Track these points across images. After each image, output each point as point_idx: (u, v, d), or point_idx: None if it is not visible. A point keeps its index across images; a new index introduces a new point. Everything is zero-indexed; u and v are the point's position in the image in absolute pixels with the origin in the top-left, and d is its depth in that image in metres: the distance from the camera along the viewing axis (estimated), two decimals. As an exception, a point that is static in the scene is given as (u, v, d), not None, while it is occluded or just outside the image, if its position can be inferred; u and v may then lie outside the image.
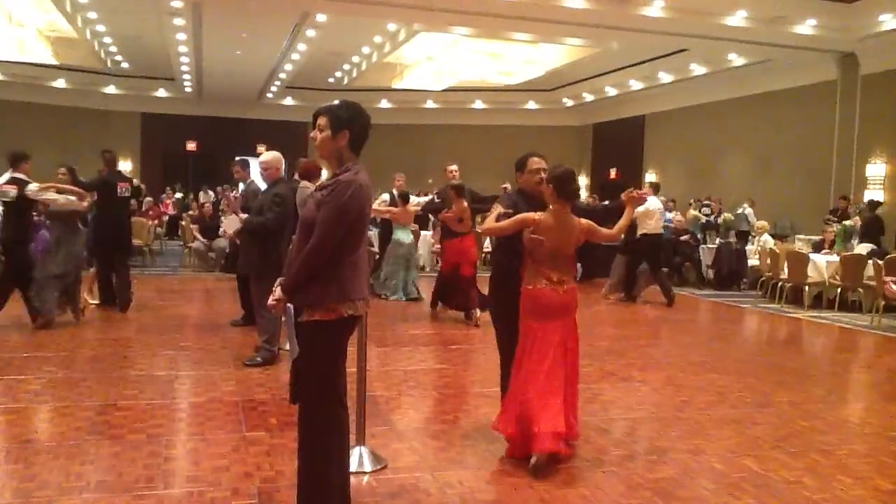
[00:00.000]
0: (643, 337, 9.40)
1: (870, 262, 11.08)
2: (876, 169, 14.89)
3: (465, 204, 8.72)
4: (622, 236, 5.73)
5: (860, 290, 11.33)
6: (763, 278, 13.05)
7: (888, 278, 10.32)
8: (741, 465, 4.55)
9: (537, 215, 4.45)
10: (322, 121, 3.38)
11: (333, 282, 3.28)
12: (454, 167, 9.50)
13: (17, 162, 7.92)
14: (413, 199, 10.09)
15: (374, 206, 8.63)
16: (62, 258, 7.97)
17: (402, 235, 10.61)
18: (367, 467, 4.22)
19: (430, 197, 10.01)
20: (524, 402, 4.36)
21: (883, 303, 10.30)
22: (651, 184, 13.21)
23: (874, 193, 14.67)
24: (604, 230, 4.75)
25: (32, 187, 7.74)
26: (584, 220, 4.57)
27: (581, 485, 4.16)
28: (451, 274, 9.17)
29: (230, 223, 7.55)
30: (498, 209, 4.63)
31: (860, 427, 5.58)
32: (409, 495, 3.94)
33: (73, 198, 8.02)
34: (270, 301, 3.41)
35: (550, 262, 4.47)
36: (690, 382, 6.64)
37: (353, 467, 3.90)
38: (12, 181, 7.79)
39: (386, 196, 9.77)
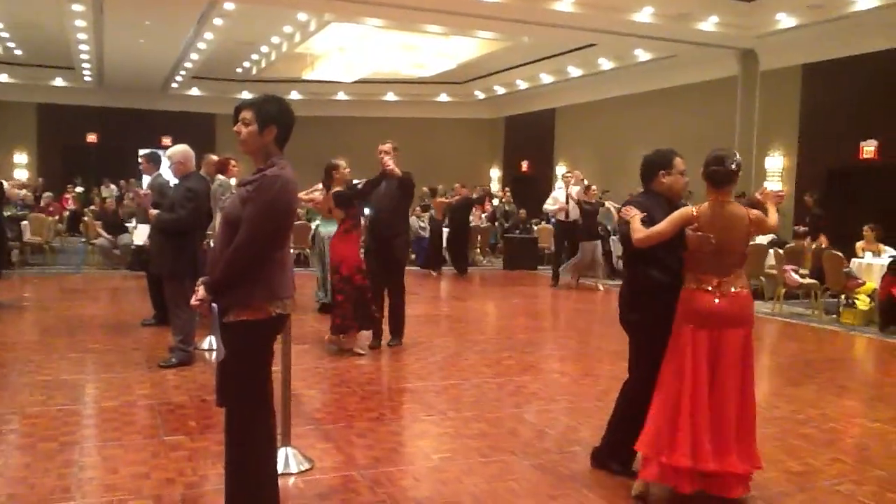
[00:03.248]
0: (560, 328, 9.58)
1: (771, 251, 11.57)
2: (774, 162, 15.53)
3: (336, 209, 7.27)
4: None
5: (762, 278, 11.81)
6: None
7: (788, 267, 10.83)
8: (661, 452, 4.67)
9: (696, 209, 3.91)
10: (247, 115, 3.28)
11: (260, 280, 3.21)
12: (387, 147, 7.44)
13: None
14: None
15: (302, 194, 7.81)
16: None
17: (323, 228, 9.37)
18: (294, 468, 4.15)
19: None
20: (661, 423, 3.85)
21: (784, 290, 10.78)
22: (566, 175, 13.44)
23: (773, 185, 15.31)
24: (770, 222, 4.08)
25: None
26: (753, 211, 3.96)
27: (509, 478, 4.19)
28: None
29: (139, 233, 7.29)
30: (634, 212, 4.06)
31: (769, 411, 5.81)
32: (337, 496, 3.90)
33: None
34: (194, 301, 3.31)
35: (712, 262, 3.88)
36: (608, 372, 6.79)
37: (279, 469, 3.82)
38: None
39: (320, 185, 8.93)
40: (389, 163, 7.09)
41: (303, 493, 3.90)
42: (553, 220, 13.49)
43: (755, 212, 3.97)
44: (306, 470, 4.18)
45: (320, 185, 8.07)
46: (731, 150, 4.05)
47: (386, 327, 7.51)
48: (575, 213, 12.79)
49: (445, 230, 14.99)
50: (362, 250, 7.45)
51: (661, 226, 3.92)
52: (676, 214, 3.95)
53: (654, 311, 4.05)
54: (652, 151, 4.37)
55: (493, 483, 4.11)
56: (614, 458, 4.26)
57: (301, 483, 4.03)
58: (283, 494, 3.52)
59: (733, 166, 3.90)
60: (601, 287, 12.63)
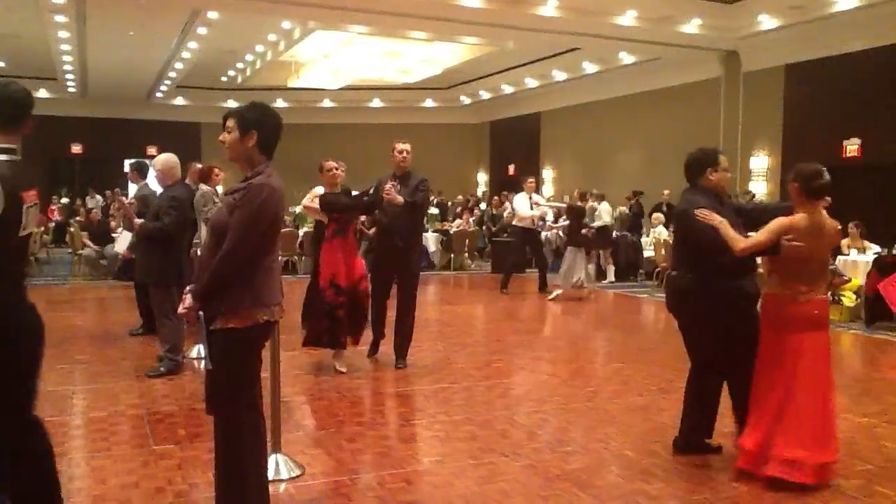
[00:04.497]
0: (550, 330, 9.60)
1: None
2: (759, 162, 15.65)
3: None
4: None
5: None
6: (658, 269, 13.53)
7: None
8: (650, 451, 4.70)
9: (795, 219, 4.10)
10: (230, 123, 3.32)
11: (247, 288, 3.21)
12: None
13: None
14: (354, 193, 7.61)
15: (305, 201, 7.42)
16: None
17: None
18: (285, 475, 4.13)
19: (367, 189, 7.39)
20: (771, 420, 4.14)
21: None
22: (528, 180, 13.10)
23: (758, 185, 15.43)
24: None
25: None
26: (835, 221, 4.21)
27: (500, 480, 4.20)
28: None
29: (122, 241, 7.24)
30: (717, 218, 4.19)
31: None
32: (328, 501, 3.89)
33: None
34: (181, 309, 3.30)
35: (803, 269, 4.11)
36: (598, 373, 6.82)
37: (269, 476, 3.81)
38: None
39: (320, 189, 8.25)
40: (392, 193, 6.45)
41: (294, 499, 3.90)
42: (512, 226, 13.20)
43: (837, 222, 4.24)
44: (297, 476, 4.17)
45: (320, 190, 7.71)
46: (817, 164, 4.25)
47: (381, 344, 7.13)
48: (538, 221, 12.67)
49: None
50: (363, 256, 7.05)
51: (762, 236, 4.13)
52: (775, 224, 4.12)
53: (710, 308, 4.33)
54: (697, 150, 4.59)
55: (483, 485, 4.11)
56: (694, 441, 4.57)
57: (292, 489, 4.02)
58: (273, 501, 3.51)
59: (828, 177, 4.15)
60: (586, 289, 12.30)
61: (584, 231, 12.22)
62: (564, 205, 13.81)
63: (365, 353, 7.07)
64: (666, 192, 15.80)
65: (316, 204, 7.55)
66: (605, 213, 14.15)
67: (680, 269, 4.58)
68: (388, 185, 6.46)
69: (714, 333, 4.42)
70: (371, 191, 6.71)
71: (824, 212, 4.19)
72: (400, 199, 6.45)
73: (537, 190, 14.77)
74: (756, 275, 4.48)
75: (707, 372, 4.53)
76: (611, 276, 14.23)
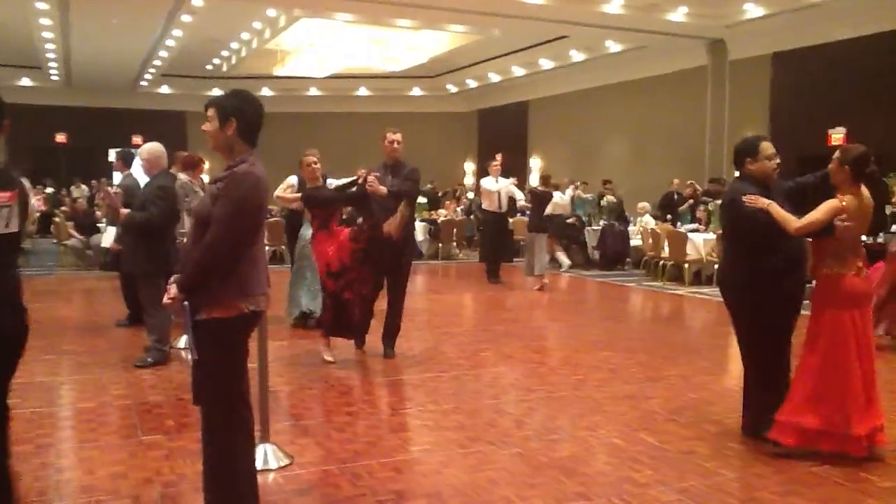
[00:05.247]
0: (537, 319, 9.62)
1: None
2: (745, 150, 15.71)
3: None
4: None
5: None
6: (646, 258, 13.58)
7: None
8: (638, 438, 4.73)
9: (847, 201, 4.26)
10: (210, 112, 3.30)
11: (232, 278, 3.19)
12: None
13: None
14: (331, 181, 7.37)
15: (279, 191, 7.07)
16: None
17: (305, 230, 8.04)
18: (273, 465, 4.13)
19: (350, 179, 7.14)
20: (840, 399, 4.25)
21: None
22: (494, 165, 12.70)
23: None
24: None
25: None
26: (872, 202, 4.45)
27: (488, 468, 4.21)
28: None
29: (107, 236, 7.18)
30: (764, 200, 4.31)
31: (743, 396, 5.89)
32: (317, 490, 3.90)
33: None
34: (166, 299, 3.29)
35: (854, 247, 4.36)
36: (585, 361, 6.84)
37: (258, 465, 3.80)
38: None
39: (293, 179, 7.76)
40: (375, 184, 6.31)
41: (282, 489, 3.90)
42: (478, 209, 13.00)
43: (872, 202, 4.44)
44: (286, 465, 4.17)
45: (293, 181, 7.65)
46: (864, 147, 4.42)
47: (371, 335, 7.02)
48: (505, 203, 12.46)
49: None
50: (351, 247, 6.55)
51: (816, 215, 4.24)
52: (828, 206, 4.24)
53: (775, 290, 4.44)
54: (741, 140, 4.75)
55: (472, 473, 4.13)
56: (762, 425, 4.55)
57: (281, 479, 4.02)
58: (262, 490, 3.50)
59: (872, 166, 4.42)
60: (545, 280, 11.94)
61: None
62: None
63: (352, 343, 7.04)
64: (696, 185, 15.52)
65: (289, 194, 7.51)
66: (558, 202, 14.07)
67: (729, 259, 4.77)
68: (370, 176, 6.34)
69: (760, 321, 4.53)
70: (359, 181, 6.59)
71: (866, 191, 4.38)
72: (383, 189, 6.34)
73: (513, 176, 14.62)
74: (806, 265, 4.56)
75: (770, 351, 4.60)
76: (565, 265, 14.28)
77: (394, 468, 4.20)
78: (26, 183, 3.37)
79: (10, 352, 3.10)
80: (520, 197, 13.38)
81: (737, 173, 4.78)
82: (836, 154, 4.40)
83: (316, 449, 4.49)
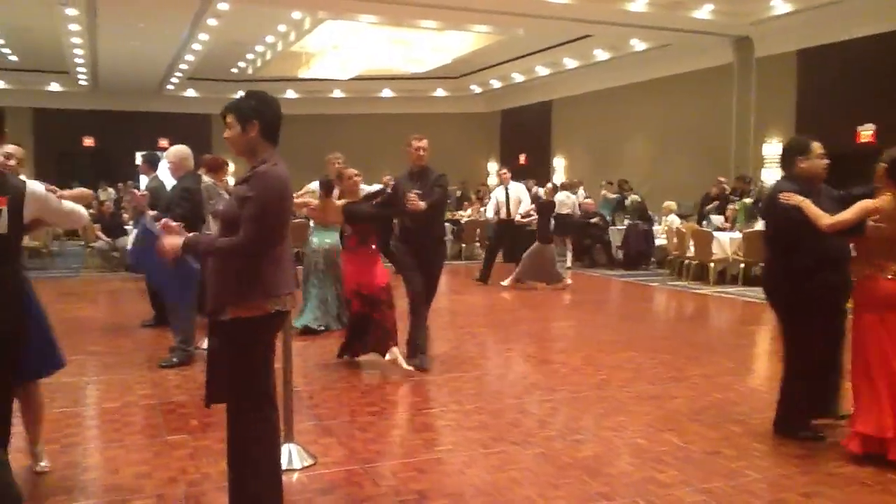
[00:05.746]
0: (559, 319, 9.58)
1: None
2: (772, 149, 15.51)
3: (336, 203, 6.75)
4: None
5: (761, 264, 11.80)
6: (670, 257, 13.48)
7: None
8: (662, 439, 4.69)
9: (879, 202, 4.24)
10: (230, 118, 3.30)
11: (256, 278, 3.20)
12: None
13: None
14: (364, 187, 7.16)
15: (299, 193, 7.11)
16: None
17: (317, 238, 7.88)
18: (297, 464, 4.15)
19: (379, 187, 7.23)
20: (878, 405, 4.21)
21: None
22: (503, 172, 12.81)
23: (771, 172, 15.30)
24: None
25: None
26: None
27: (511, 468, 4.20)
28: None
29: (133, 239, 7.25)
30: (799, 198, 4.36)
31: (770, 396, 5.77)
32: (341, 490, 3.90)
33: None
34: (166, 240, 3.31)
35: (888, 251, 4.26)
36: (608, 361, 6.80)
37: (282, 465, 3.82)
38: None
39: (315, 185, 7.58)
40: (416, 202, 6.09)
41: (306, 488, 3.91)
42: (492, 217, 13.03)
43: None
44: (309, 465, 4.18)
45: (314, 186, 7.58)
46: None
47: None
48: (514, 210, 12.39)
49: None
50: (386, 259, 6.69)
51: (847, 214, 4.24)
52: (861, 205, 4.25)
53: (805, 290, 4.46)
54: (790, 139, 4.82)
55: (495, 474, 4.11)
56: (795, 424, 4.64)
57: (304, 478, 4.04)
58: (286, 490, 3.52)
59: None
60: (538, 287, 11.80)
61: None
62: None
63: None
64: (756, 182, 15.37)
65: (305, 199, 7.43)
66: (564, 201, 14.39)
67: (767, 257, 4.86)
68: (410, 195, 6.11)
69: (795, 319, 4.58)
70: (387, 190, 6.47)
71: None
72: (422, 205, 6.13)
73: (539, 181, 14.63)
74: (849, 265, 4.55)
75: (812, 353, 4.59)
76: (567, 262, 14.41)
77: (416, 468, 4.19)
78: (35, 186, 3.44)
79: (5, 349, 3.24)
80: (525, 199, 13.33)
81: (780, 173, 4.83)
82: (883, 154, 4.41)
83: (339, 449, 4.49)
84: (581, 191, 16.65)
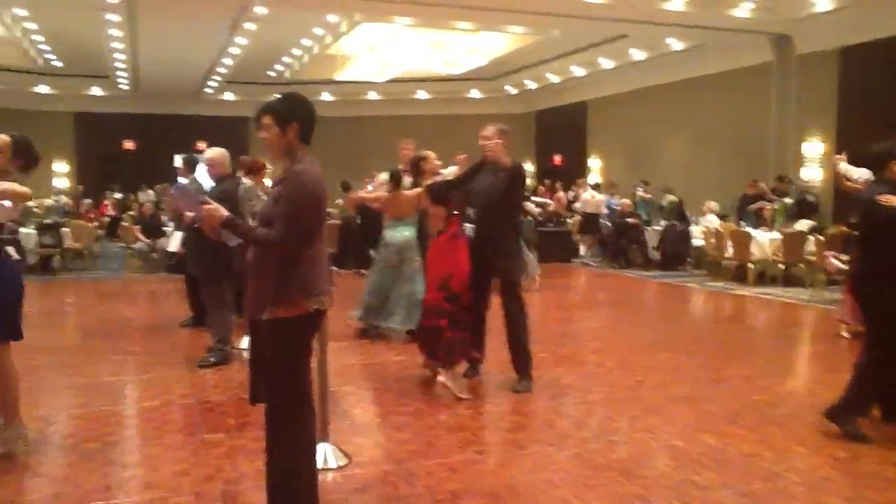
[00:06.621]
0: (594, 319, 9.51)
1: (811, 237, 11.38)
2: (813, 148, 15.25)
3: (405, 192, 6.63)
4: None
5: (801, 265, 11.62)
6: (708, 258, 13.31)
7: (829, 253, 10.63)
8: (700, 441, 4.63)
9: None
10: (266, 120, 3.31)
11: (295, 277, 3.22)
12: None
13: None
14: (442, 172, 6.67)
15: (370, 188, 7.13)
16: None
17: (392, 233, 7.39)
18: (332, 464, 4.17)
19: (450, 169, 6.76)
20: None
21: (825, 277, 10.60)
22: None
23: (812, 172, 15.06)
24: None
25: None
26: None
27: (547, 469, 4.17)
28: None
29: (174, 240, 7.34)
30: (893, 199, 4.53)
31: (809, 398, 5.72)
32: (376, 489, 3.91)
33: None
34: (206, 209, 3.33)
35: None
36: (644, 362, 6.73)
37: (318, 464, 3.84)
38: None
39: (384, 175, 7.28)
40: (494, 149, 5.62)
41: (341, 488, 3.93)
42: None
43: None
44: (344, 465, 4.20)
45: (384, 176, 6.95)
46: None
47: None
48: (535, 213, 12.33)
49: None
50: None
51: None
52: None
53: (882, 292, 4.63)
54: (884, 143, 4.87)
55: (530, 474, 4.09)
56: (850, 413, 4.74)
57: (339, 478, 4.05)
58: (321, 489, 3.53)
59: None
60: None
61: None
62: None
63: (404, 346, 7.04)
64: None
65: (381, 192, 7.10)
66: (589, 200, 14.79)
67: (864, 257, 4.93)
68: (488, 143, 5.61)
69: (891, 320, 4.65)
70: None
71: None
72: (505, 157, 5.65)
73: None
74: None
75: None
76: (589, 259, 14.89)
77: (451, 468, 4.19)
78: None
79: None
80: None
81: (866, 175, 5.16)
82: None
83: (374, 449, 4.51)
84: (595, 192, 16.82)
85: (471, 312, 5.67)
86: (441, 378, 5.69)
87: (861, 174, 7.47)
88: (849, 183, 7.09)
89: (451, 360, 5.62)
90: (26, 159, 4.48)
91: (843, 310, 7.80)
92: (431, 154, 6.23)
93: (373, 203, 7.48)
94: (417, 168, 6.47)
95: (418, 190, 6.01)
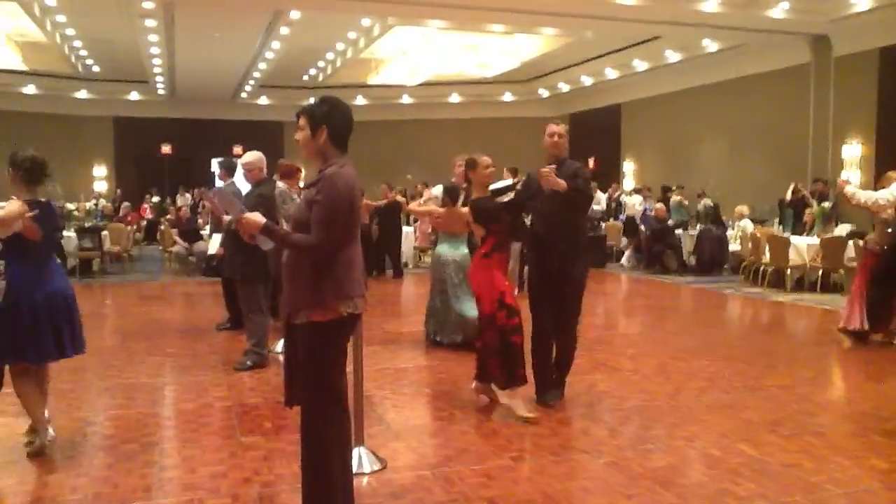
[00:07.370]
0: (631, 325, 9.44)
1: (850, 243, 11.18)
2: (852, 150, 15.00)
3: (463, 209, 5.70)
4: None
5: (841, 271, 11.43)
6: (745, 263, 13.14)
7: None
8: (737, 450, 4.57)
9: None
10: (301, 121, 3.37)
11: (329, 280, 3.24)
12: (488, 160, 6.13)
13: None
14: (496, 184, 6.13)
15: (420, 202, 6.64)
16: None
17: (444, 249, 7.30)
18: (367, 468, 4.18)
19: (509, 182, 6.34)
20: None
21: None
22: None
23: (851, 174, 14.80)
24: None
25: None
26: None
27: (582, 477, 4.15)
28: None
29: (213, 244, 7.42)
30: None
31: (849, 407, 5.63)
32: (410, 494, 3.92)
33: None
34: (245, 217, 3.33)
35: None
36: (681, 369, 6.67)
37: (353, 469, 3.85)
38: None
39: (438, 189, 7.02)
40: (552, 176, 5.15)
41: (376, 493, 3.94)
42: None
43: None
44: (379, 469, 4.21)
45: (437, 191, 6.39)
46: None
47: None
48: None
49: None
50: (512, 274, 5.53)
51: None
52: None
53: None
54: None
55: (565, 482, 4.07)
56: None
57: (374, 482, 4.07)
58: (356, 493, 3.55)
59: None
60: None
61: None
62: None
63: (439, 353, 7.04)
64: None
65: (430, 206, 6.81)
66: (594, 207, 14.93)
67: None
68: (544, 170, 5.18)
69: None
70: (517, 186, 5.75)
71: None
72: (562, 183, 5.13)
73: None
74: None
75: None
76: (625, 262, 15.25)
77: (486, 474, 4.18)
78: None
79: None
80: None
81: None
82: None
83: (409, 453, 4.52)
84: (638, 196, 16.71)
85: (511, 335, 5.27)
86: (504, 401, 5.40)
87: (870, 197, 7.40)
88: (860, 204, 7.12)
89: (514, 380, 5.24)
90: (24, 170, 4.39)
91: (843, 313, 7.87)
92: (485, 159, 5.57)
93: (423, 216, 7.07)
94: (465, 175, 5.88)
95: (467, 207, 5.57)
